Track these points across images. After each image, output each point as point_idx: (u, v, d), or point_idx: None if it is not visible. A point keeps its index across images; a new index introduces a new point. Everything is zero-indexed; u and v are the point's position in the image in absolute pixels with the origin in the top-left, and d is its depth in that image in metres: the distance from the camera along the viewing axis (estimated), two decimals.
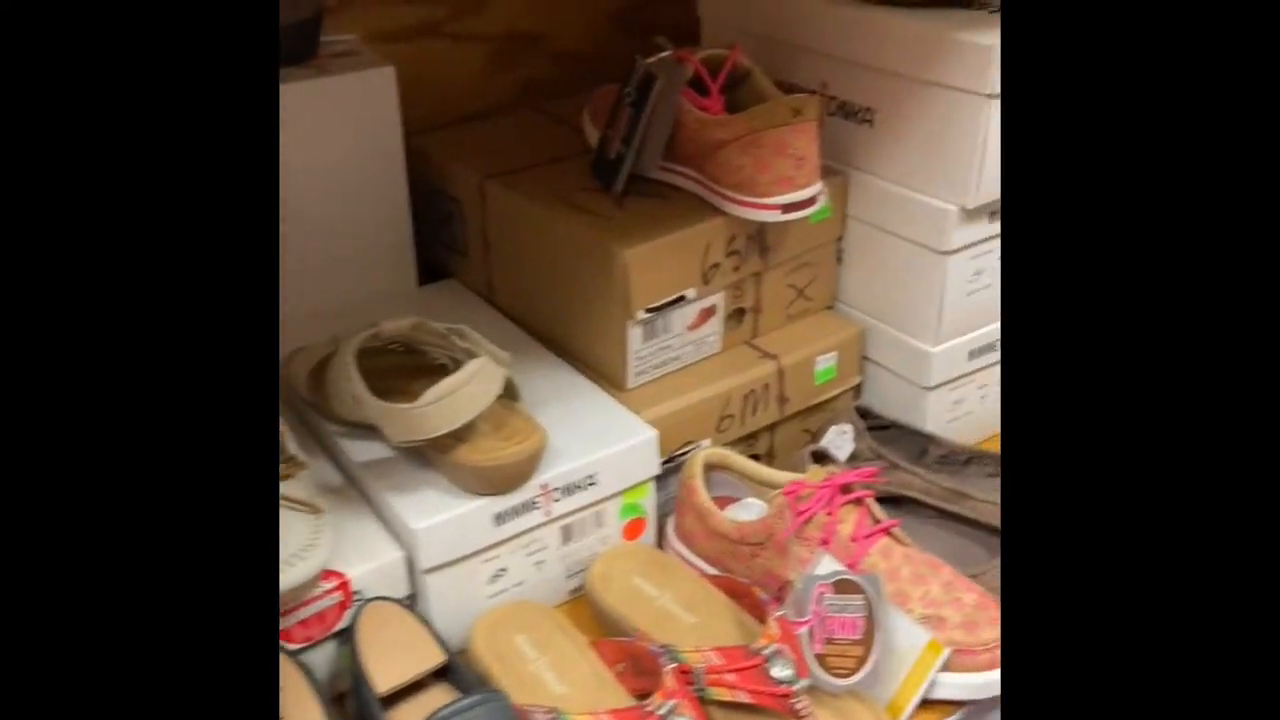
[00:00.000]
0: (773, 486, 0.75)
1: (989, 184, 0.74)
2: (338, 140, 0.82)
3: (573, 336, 0.81)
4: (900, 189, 0.80)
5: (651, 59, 0.77)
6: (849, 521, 0.69)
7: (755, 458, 0.84)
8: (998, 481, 0.82)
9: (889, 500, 0.78)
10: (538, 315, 0.84)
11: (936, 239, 0.78)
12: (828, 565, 0.66)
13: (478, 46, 1.00)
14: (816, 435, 0.83)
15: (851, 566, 0.67)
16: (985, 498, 0.77)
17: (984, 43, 0.69)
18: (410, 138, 0.89)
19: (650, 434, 0.72)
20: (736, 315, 0.82)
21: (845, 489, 0.70)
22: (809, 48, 0.83)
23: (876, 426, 0.85)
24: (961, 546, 0.76)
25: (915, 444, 0.84)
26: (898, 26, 0.75)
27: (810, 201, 0.74)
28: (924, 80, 0.74)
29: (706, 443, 0.79)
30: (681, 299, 0.76)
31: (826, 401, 0.86)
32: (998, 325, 0.84)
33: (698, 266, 0.76)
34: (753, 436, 0.83)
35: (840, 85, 0.82)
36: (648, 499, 0.74)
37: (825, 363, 0.83)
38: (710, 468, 0.76)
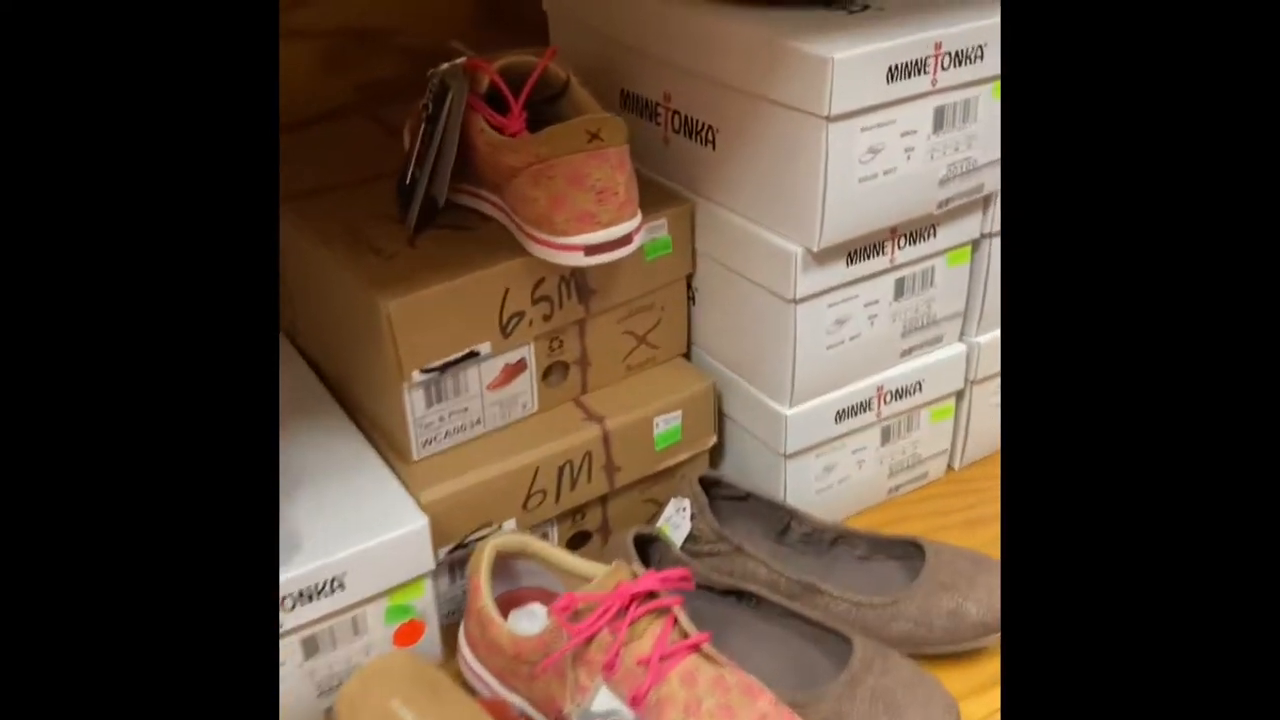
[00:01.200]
0: (582, 580, 0.63)
1: (837, 223, 0.62)
2: None
3: (360, 395, 0.68)
4: (745, 223, 0.67)
5: (444, 66, 0.64)
6: (646, 638, 0.56)
7: (582, 537, 0.72)
8: (868, 566, 0.69)
9: (733, 594, 0.66)
10: (331, 366, 0.72)
11: (782, 284, 0.65)
12: (604, 701, 0.54)
13: (306, 44, 0.88)
14: (661, 509, 0.71)
15: (641, 697, 0.54)
16: (842, 594, 0.64)
17: (820, 53, 0.56)
18: None
19: (418, 522, 0.60)
20: (558, 370, 0.69)
21: (644, 597, 0.57)
22: (650, 53, 0.70)
23: (733, 497, 0.73)
24: (803, 655, 0.63)
25: (776, 519, 0.72)
26: (734, 31, 0.62)
27: (623, 242, 0.61)
28: (759, 96, 0.62)
29: (510, 525, 0.67)
30: (474, 355, 0.64)
31: (676, 467, 0.73)
32: (871, 382, 0.71)
33: (493, 316, 0.64)
34: (579, 511, 0.71)
35: (682, 98, 0.69)
36: (423, 599, 0.62)
37: (667, 423, 0.71)
38: (508, 556, 0.64)
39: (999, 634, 0.63)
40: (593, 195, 0.59)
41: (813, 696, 0.58)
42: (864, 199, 0.62)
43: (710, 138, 0.67)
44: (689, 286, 0.74)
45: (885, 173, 0.61)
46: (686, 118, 0.69)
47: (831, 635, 0.63)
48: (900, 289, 0.69)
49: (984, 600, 0.63)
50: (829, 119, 0.57)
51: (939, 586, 0.64)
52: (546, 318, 0.66)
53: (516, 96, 0.63)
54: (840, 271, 0.65)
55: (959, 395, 0.77)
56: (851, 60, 0.56)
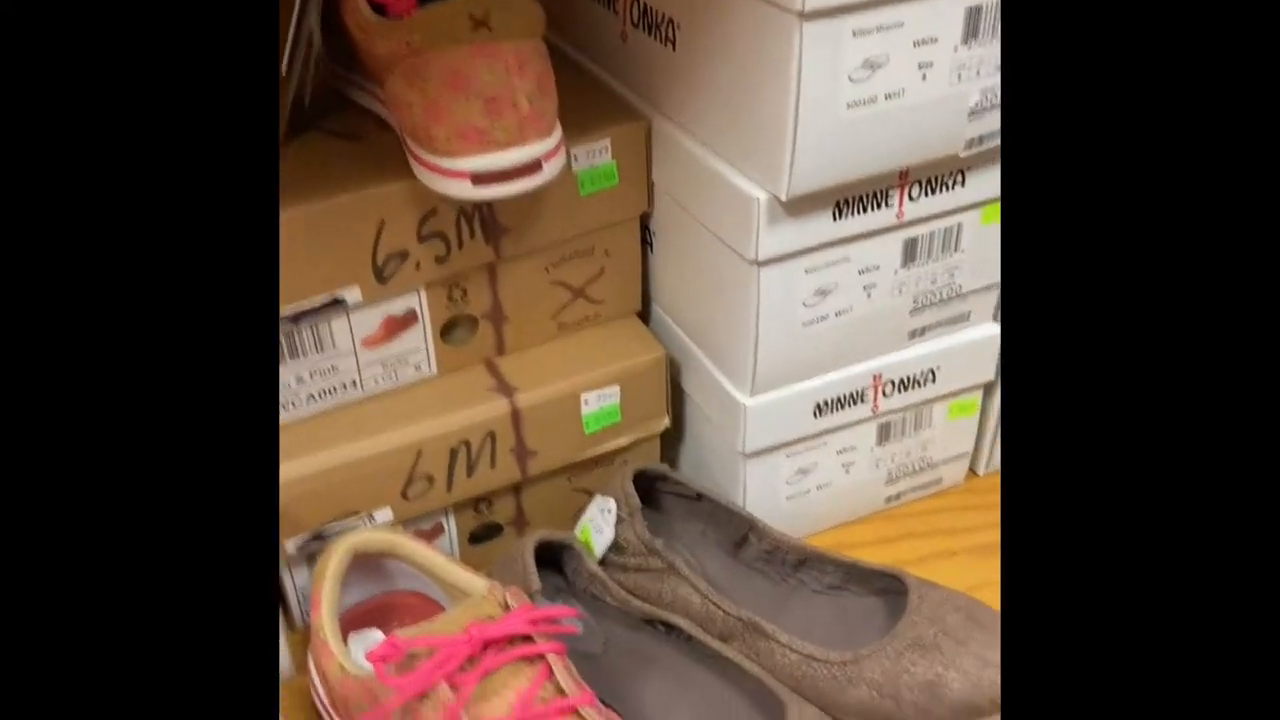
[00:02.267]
0: (461, 593, 0.50)
1: (815, 163, 0.45)
2: None
3: None
4: (705, 153, 0.51)
5: None
6: (504, 694, 0.43)
7: (491, 530, 0.59)
8: (838, 601, 0.55)
9: (658, 624, 0.52)
10: None
11: (742, 240, 0.49)
12: None
13: None
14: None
15: None
16: (790, 641, 0.50)
17: None
18: None
19: None
20: (464, 325, 0.55)
21: (508, 641, 0.44)
22: None
23: (684, 496, 0.59)
24: (734, 717, 0.50)
25: (734, 528, 0.58)
26: None
27: (526, 170, 0.46)
28: None
29: (384, 515, 0.54)
30: (338, 303, 0.50)
31: (615, 454, 0.59)
32: (865, 369, 0.56)
33: (364, 256, 0.49)
34: (484, 500, 0.58)
35: None
36: None
37: (600, 401, 0.57)
38: (373, 557, 0.51)
39: (990, 719, 0.48)
40: (480, 105, 0.44)
41: None
42: (855, 131, 0.45)
43: (671, 34, 0.51)
44: (645, 230, 0.58)
45: (888, 96, 0.45)
46: (646, 6, 0.53)
47: (765, 694, 0.49)
48: (911, 252, 0.53)
49: (973, 672, 0.48)
50: (803, 15, 0.41)
51: (915, 645, 0.49)
52: (440, 260, 0.51)
53: None
54: (824, 227, 0.49)
55: (988, 387, 0.61)
56: None
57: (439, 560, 0.50)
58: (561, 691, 0.44)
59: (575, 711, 0.44)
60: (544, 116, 0.46)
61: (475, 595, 0.46)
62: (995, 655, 0.48)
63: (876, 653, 0.49)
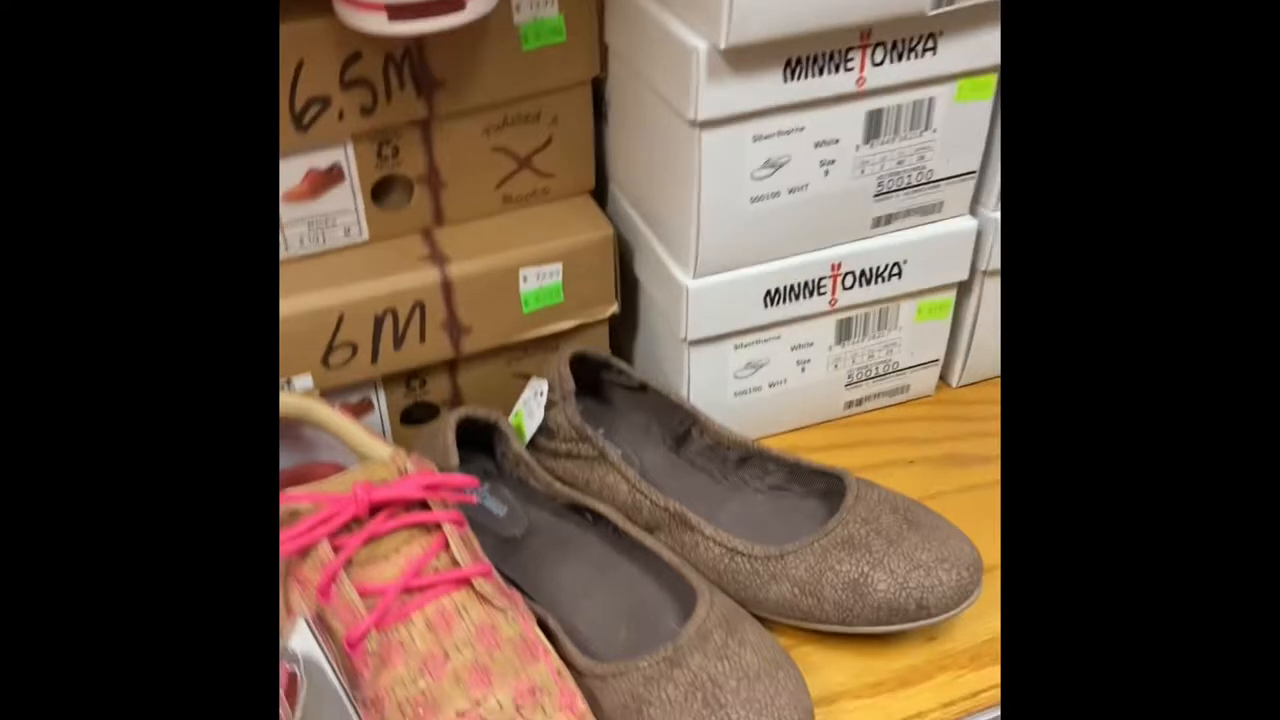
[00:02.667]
0: (374, 461, 0.48)
1: (755, 6, 0.41)
2: None
3: None
4: (651, 4, 0.47)
5: None
6: (393, 560, 0.41)
7: (426, 410, 0.57)
8: (778, 501, 0.52)
9: (583, 511, 0.50)
10: None
11: (681, 97, 0.45)
12: (300, 639, 0.39)
13: None
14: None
15: (357, 640, 0.39)
16: (714, 534, 0.47)
17: None
18: None
19: None
20: (399, 188, 0.52)
21: (404, 506, 0.42)
22: None
23: (628, 387, 0.56)
24: (645, 606, 0.47)
25: (677, 422, 0.55)
26: None
27: (445, 6, 0.43)
28: None
29: (303, 381, 0.51)
30: None
31: (557, 337, 0.56)
32: (822, 257, 0.52)
33: (280, 98, 0.47)
34: (416, 376, 0.55)
35: None
36: None
37: (540, 279, 0.54)
38: (288, 422, 0.49)
39: (917, 623, 0.45)
40: None
41: (617, 669, 0.42)
42: None
43: None
44: (600, 98, 0.55)
45: None
46: None
47: (683, 586, 0.46)
48: (875, 126, 0.49)
49: (899, 573, 0.45)
50: None
51: (843, 544, 0.46)
52: (366, 110, 0.48)
53: None
54: (773, 87, 0.45)
55: (962, 288, 0.57)
56: None
57: (353, 428, 0.48)
58: (456, 563, 0.42)
59: (468, 583, 0.42)
60: None
61: (375, 460, 0.44)
62: (926, 556, 0.45)
63: (803, 549, 0.46)
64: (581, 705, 0.40)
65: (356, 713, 0.37)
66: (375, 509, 0.41)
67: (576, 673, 0.42)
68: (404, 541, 0.41)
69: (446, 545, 0.42)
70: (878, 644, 0.47)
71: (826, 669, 0.46)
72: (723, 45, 0.42)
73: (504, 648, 0.41)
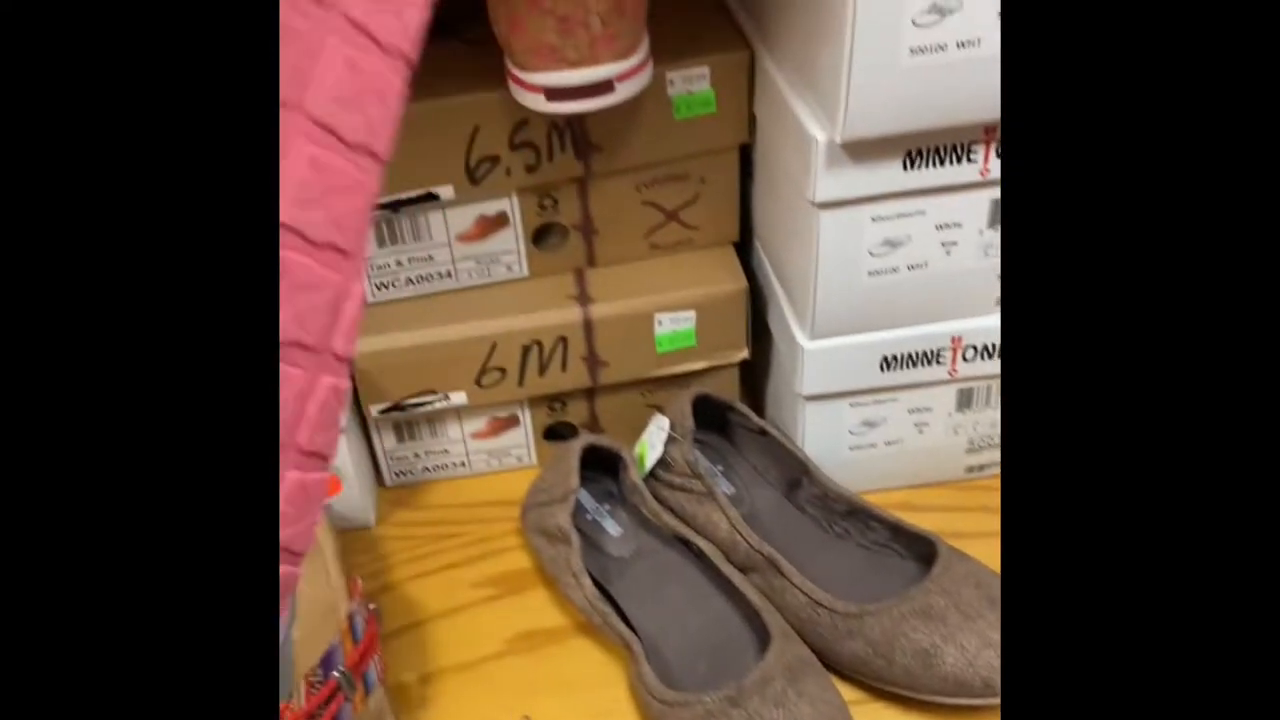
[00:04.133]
0: None
1: (873, 108, 0.44)
2: None
3: None
4: (786, 89, 0.50)
5: None
6: None
7: (566, 430, 0.63)
8: (873, 558, 0.54)
9: (687, 543, 0.54)
10: None
11: (803, 180, 0.48)
12: None
13: None
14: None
15: None
16: (802, 584, 0.51)
17: None
18: None
19: None
20: (556, 233, 0.58)
21: None
22: None
23: (748, 428, 0.60)
24: (724, 642, 0.51)
25: (790, 468, 0.58)
26: None
27: (597, 90, 0.48)
28: None
29: (458, 397, 0.58)
30: (431, 197, 0.54)
31: (691, 376, 0.61)
32: (943, 329, 0.54)
33: (457, 157, 0.53)
34: (557, 399, 0.61)
35: None
36: (338, 454, 0.56)
37: (675, 323, 0.58)
38: None
39: (984, 699, 0.47)
40: (553, 23, 0.46)
41: (683, 699, 0.46)
42: (918, 79, 0.43)
43: None
44: (747, 160, 0.58)
45: (961, 44, 0.42)
46: None
47: (763, 629, 0.50)
48: (1000, 212, 0.50)
49: (970, 649, 0.47)
50: None
51: (920, 612, 0.48)
52: (530, 168, 0.54)
53: None
54: (892, 175, 0.47)
55: None
56: None
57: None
58: None
59: None
60: (619, 38, 0.47)
61: None
62: (1000, 637, 0.46)
63: (881, 611, 0.49)
64: None
65: None
66: None
67: (646, 694, 0.47)
68: None
69: None
70: (949, 712, 0.49)
71: None
72: (839, 140, 0.45)
73: None
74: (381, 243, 0.56)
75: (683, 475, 0.57)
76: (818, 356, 0.54)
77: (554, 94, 0.48)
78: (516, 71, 0.49)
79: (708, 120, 0.55)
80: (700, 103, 0.54)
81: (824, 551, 0.55)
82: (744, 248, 0.62)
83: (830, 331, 0.53)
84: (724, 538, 0.54)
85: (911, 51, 0.42)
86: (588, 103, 0.48)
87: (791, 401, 0.58)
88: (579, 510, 0.57)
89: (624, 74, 0.48)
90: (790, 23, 0.49)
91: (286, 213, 0.29)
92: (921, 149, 0.47)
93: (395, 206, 0.54)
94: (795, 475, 0.58)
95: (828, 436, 0.58)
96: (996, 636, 0.47)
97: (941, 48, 0.42)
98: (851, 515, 0.56)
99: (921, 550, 0.53)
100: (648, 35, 0.50)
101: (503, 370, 0.58)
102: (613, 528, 0.57)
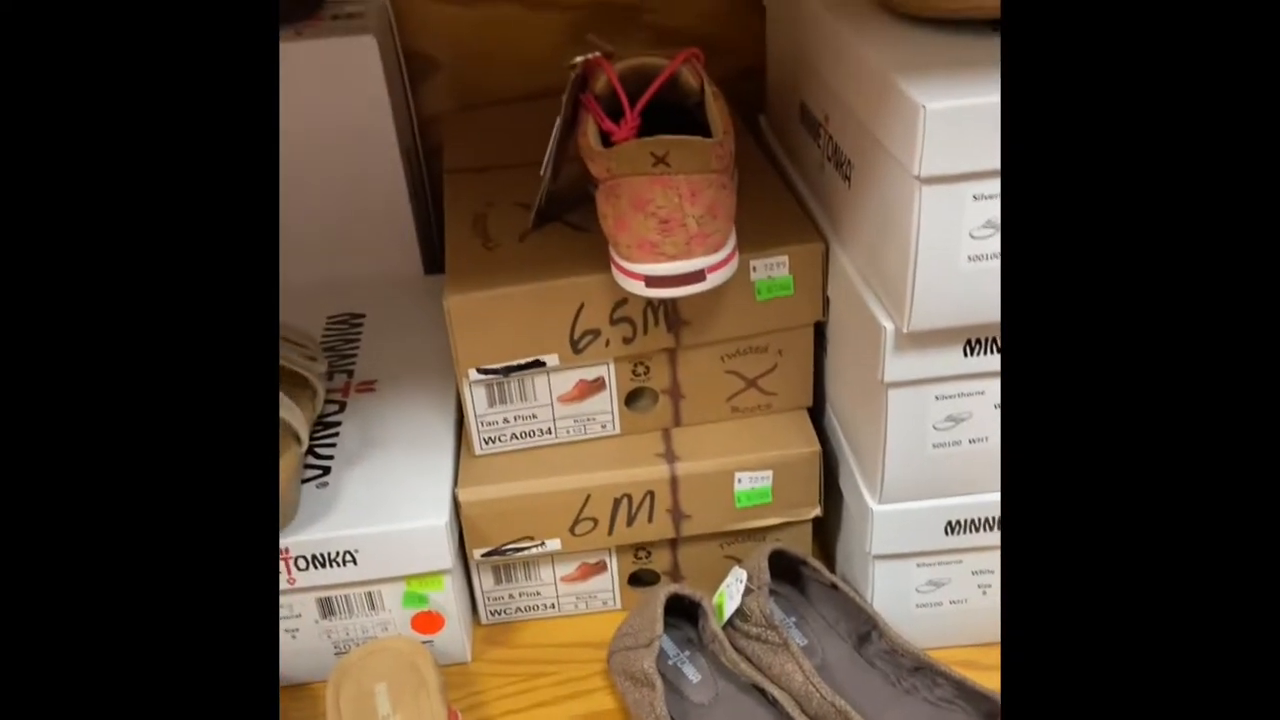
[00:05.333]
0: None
1: (935, 305, 0.50)
2: (319, 111, 0.77)
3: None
4: (858, 281, 0.56)
5: (578, 60, 0.61)
6: None
7: (648, 577, 0.68)
8: (939, 714, 0.57)
9: (758, 691, 0.58)
10: None
11: (873, 363, 0.54)
12: None
13: (557, 14, 0.88)
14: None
15: None
16: None
17: (915, 98, 0.45)
18: (457, 112, 0.85)
19: (438, 520, 0.59)
20: (646, 396, 0.65)
21: None
22: (817, 68, 0.61)
23: (820, 582, 0.64)
24: None
25: (860, 622, 0.62)
26: (869, 55, 0.51)
27: (690, 279, 0.54)
28: (874, 136, 0.51)
29: (553, 543, 0.64)
30: (539, 364, 0.61)
31: (766, 530, 0.66)
32: (993, 497, 0.58)
33: (564, 330, 0.60)
34: (643, 549, 0.66)
35: (836, 123, 0.59)
36: (442, 594, 0.62)
37: (753, 481, 0.63)
38: None
39: None
40: (655, 223, 0.53)
41: None
42: (975, 282, 0.49)
43: (848, 173, 0.57)
44: (821, 335, 0.64)
45: None
46: (835, 145, 0.59)
47: None
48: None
49: None
50: (921, 179, 0.46)
51: None
52: (627, 340, 0.61)
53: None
54: (954, 361, 0.53)
55: None
56: (951, 112, 0.44)
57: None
58: None
59: None
60: (712, 235, 0.54)
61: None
62: None
63: None
64: None
65: None
66: None
67: None
68: None
69: None
70: None
71: None
72: (905, 330, 0.51)
73: None
74: (491, 402, 0.62)
75: (759, 626, 0.61)
76: (886, 519, 0.58)
77: (653, 282, 0.55)
78: (620, 260, 0.56)
79: (786, 301, 0.62)
80: (780, 286, 0.61)
81: (893, 706, 0.58)
82: (816, 413, 0.67)
83: (898, 496, 0.58)
84: (798, 688, 0.58)
85: (969, 259, 0.48)
86: (682, 290, 0.55)
87: (862, 559, 0.62)
88: (662, 655, 0.61)
89: (715, 265, 0.55)
90: (862, 225, 0.56)
91: None
92: (980, 338, 0.52)
93: (507, 371, 0.61)
94: (865, 629, 0.62)
95: (896, 594, 0.61)
96: None
97: (994, 256, 0.48)
98: (919, 671, 0.59)
99: (985, 708, 0.56)
100: (735, 230, 0.57)
101: (595, 520, 0.63)
102: (693, 674, 0.61)
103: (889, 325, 0.52)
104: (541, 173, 0.64)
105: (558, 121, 0.62)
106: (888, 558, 0.60)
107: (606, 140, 0.57)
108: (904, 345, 0.52)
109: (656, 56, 0.60)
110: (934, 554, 0.60)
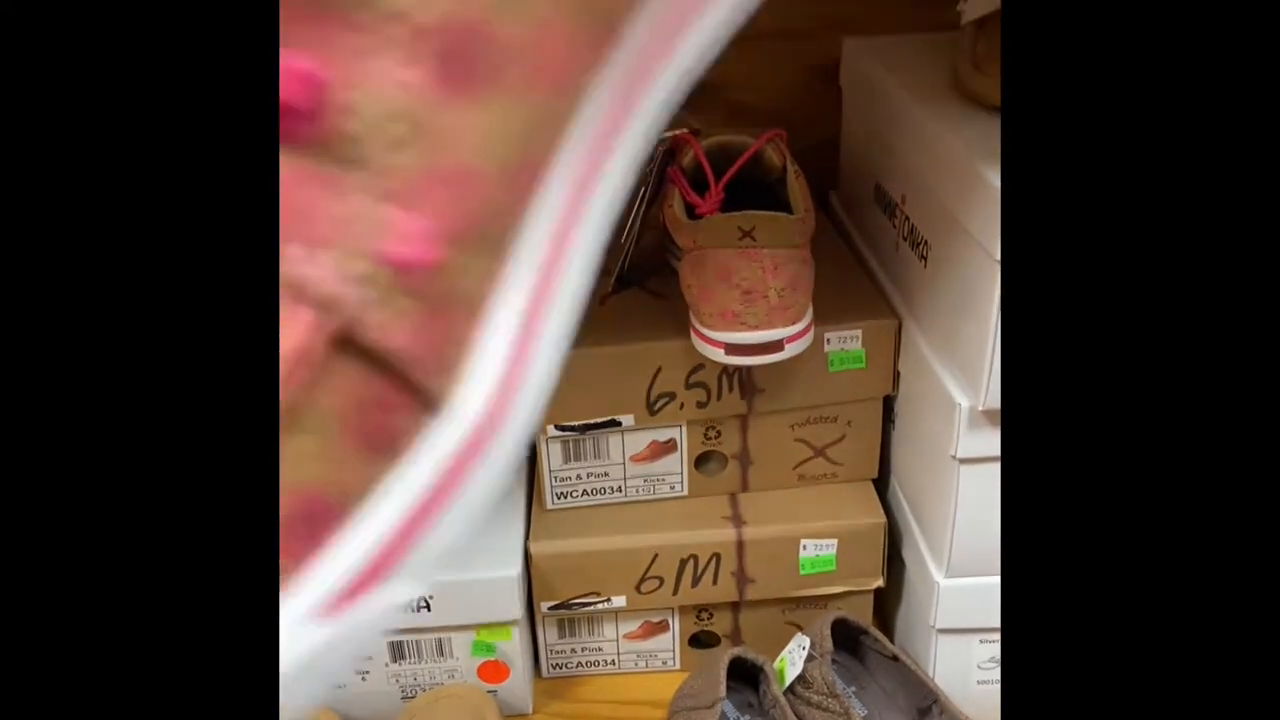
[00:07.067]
0: None
1: None
2: None
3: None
4: (931, 358, 0.58)
5: (667, 134, 0.64)
6: None
7: (709, 638, 0.68)
8: None
9: None
10: None
11: (946, 438, 0.55)
12: None
13: None
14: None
15: None
16: None
17: (998, 184, 0.47)
18: None
19: (510, 572, 0.61)
20: (716, 460, 0.66)
21: None
22: (895, 149, 0.63)
23: (881, 653, 0.64)
24: None
25: (920, 696, 0.62)
26: (950, 141, 0.54)
27: (769, 348, 0.56)
28: (955, 218, 0.53)
29: (619, 600, 0.65)
30: (614, 424, 0.63)
31: (829, 598, 0.66)
32: None
33: (641, 391, 0.62)
34: (705, 610, 0.67)
35: (913, 204, 0.61)
36: (510, 644, 0.63)
37: (818, 549, 0.64)
38: None
39: None
40: (738, 294, 0.55)
41: None
42: None
43: (925, 253, 0.59)
44: (890, 409, 0.66)
45: None
46: (912, 226, 0.61)
47: None
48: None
49: None
50: (999, 263, 0.48)
51: None
52: (701, 405, 0.63)
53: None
54: None
55: None
56: None
57: None
58: None
59: None
60: (791, 308, 0.56)
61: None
62: None
63: None
64: None
65: None
66: None
67: None
68: None
69: None
70: None
71: None
72: (980, 408, 0.52)
73: None
74: (566, 459, 0.64)
75: (820, 694, 0.61)
76: (951, 593, 0.59)
77: (733, 349, 0.57)
78: (701, 328, 0.58)
79: (858, 373, 0.63)
80: (852, 359, 0.63)
81: None
82: (881, 484, 0.68)
83: (964, 571, 0.59)
84: None
85: None
86: (760, 358, 0.57)
87: (924, 632, 0.63)
88: (723, 718, 0.62)
89: (793, 336, 0.57)
90: (938, 304, 0.57)
91: None
92: None
93: (583, 429, 0.63)
94: (926, 703, 0.62)
95: (957, 669, 0.62)
96: None
97: None
98: None
99: None
100: (812, 303, 0.59)
101: (660, 579, 0.65)
102: None
103: (964, 402, 0.53)
104: (622, 240, 0.67)
105: (642, 191, 0.65)
106: (951, 632, 0.60)
107: (691, 212, 0.60)
108: (978, 422, 0.54)
109: (741, 134, 0.63)
110: (997, 630, 0.60)
